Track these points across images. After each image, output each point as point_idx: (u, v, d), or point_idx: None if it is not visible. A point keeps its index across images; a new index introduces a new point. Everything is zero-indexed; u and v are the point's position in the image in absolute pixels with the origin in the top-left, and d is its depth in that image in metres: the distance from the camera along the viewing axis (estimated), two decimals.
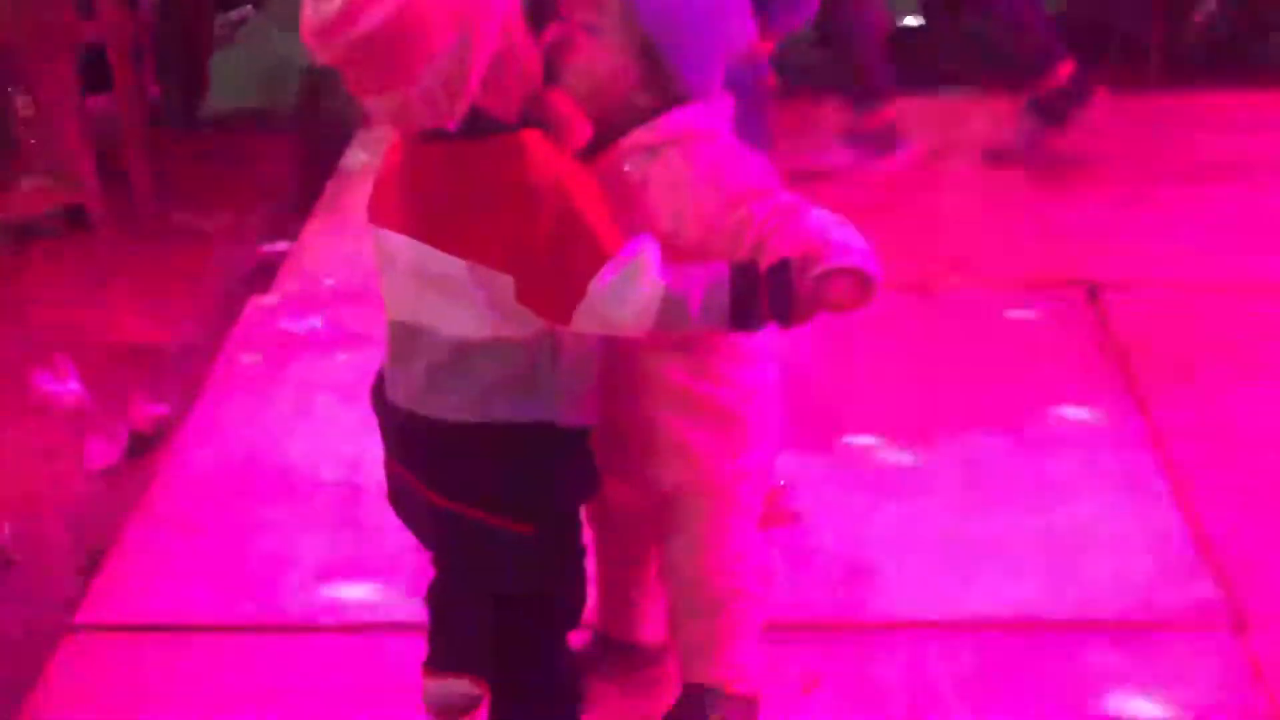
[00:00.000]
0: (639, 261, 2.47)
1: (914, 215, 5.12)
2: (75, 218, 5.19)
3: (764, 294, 2.47)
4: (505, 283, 2.48)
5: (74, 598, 3.49)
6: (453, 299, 2.52)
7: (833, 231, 2.48)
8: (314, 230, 5.17)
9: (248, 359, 4.42)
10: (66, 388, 4.29)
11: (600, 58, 2.57)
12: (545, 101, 2.53)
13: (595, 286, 2.45)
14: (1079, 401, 4.09)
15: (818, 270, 2.44)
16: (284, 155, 5.69)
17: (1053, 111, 5.44)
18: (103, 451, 4.05)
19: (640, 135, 2.59)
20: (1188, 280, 4.67)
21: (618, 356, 2.64)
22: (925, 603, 3.39)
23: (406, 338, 2.62)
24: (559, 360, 2.57)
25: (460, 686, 2.79)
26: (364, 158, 5.52)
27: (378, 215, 2.62)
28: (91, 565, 3.60)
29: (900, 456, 3.90)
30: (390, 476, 2.76)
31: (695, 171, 2.58)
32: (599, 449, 2.68)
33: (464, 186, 2.50)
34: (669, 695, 2.93)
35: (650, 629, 3.09)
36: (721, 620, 2.83)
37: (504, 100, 2.49)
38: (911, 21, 6.61)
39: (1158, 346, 4.32)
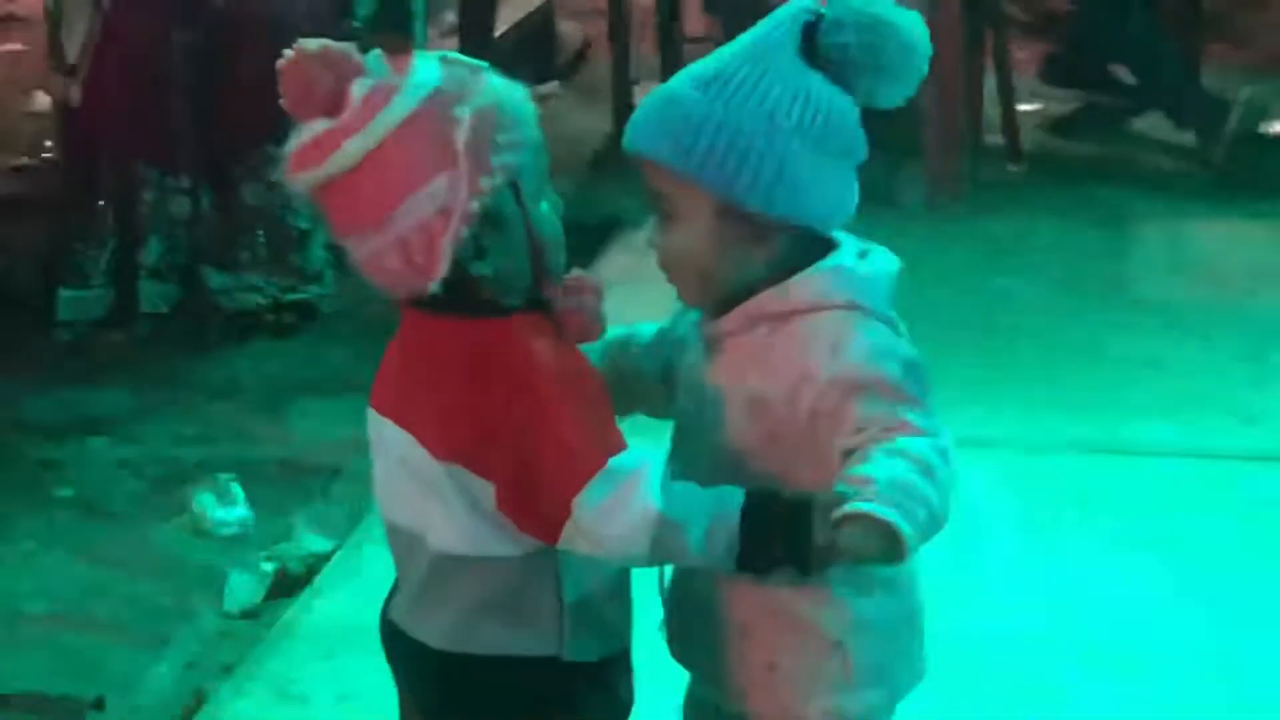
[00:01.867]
0: (633, 478, 2.01)
1: None
2: (305, 312, 4.86)
3: (779, 535, 2.00)
4: (485, 489, 2.06)
5: None
6: (436, 503, 2.10)
7: (895, 469, 1.97)
8: None
9: None
10: (230, 513, 3.93)
11: (687, 242, 2.13)
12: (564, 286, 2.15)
13: (580, 502, 2.01)
14: None
15: (838, 513, 1.94)
16: None
17: None
18: (244, 590, 3.69)
19: (765, 301, 2.13)
20: None
21: None
22: None
23: (401, 542, 2.20)
24: (562, 585, 2.12)
25: None
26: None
27: (376, 395, 2.23)
28: None
29: None
30: (399, 699, 2.32)
31: (815, 348, 2.09)
32: (675, 633, 2.24)
33: (445, 372, 2.10)
34: None
35: None
36: None
37: (503, 273, 2.10)
38: None
39: None
